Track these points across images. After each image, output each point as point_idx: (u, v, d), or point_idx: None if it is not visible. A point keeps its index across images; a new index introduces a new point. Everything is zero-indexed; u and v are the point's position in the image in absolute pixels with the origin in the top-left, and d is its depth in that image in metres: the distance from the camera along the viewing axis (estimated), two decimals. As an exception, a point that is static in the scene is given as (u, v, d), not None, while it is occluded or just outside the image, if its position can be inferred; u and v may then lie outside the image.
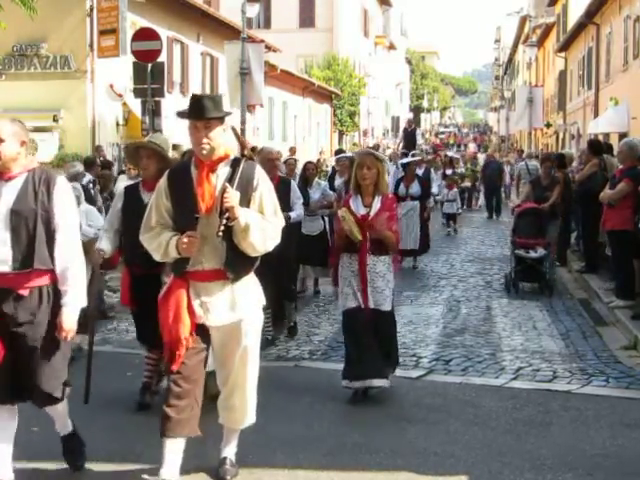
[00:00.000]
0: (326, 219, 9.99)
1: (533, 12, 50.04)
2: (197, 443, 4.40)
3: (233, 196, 4.00)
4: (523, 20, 54.51)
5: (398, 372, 6.78)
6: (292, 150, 26.16)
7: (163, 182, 4.25)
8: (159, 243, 4.18)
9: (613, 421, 5.53)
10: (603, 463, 4.76)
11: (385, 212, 5.79)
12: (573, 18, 30.14)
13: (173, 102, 19.19)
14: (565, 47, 33.05)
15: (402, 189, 12.24)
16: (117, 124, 18.92)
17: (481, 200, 24.57)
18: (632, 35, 21.32)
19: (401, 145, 25.98)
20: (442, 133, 69.12)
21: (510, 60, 69.54)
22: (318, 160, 24.82)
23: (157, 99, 14.04)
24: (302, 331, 8.35)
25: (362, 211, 5.82)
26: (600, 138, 20.63)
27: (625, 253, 8.91)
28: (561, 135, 36.23)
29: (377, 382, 5.85)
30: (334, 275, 6.18)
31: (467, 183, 23.75)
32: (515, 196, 23.17)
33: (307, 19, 42.73)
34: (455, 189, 19.23)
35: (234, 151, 4.30)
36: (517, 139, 53.51)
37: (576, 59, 31.53)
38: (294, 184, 8.00)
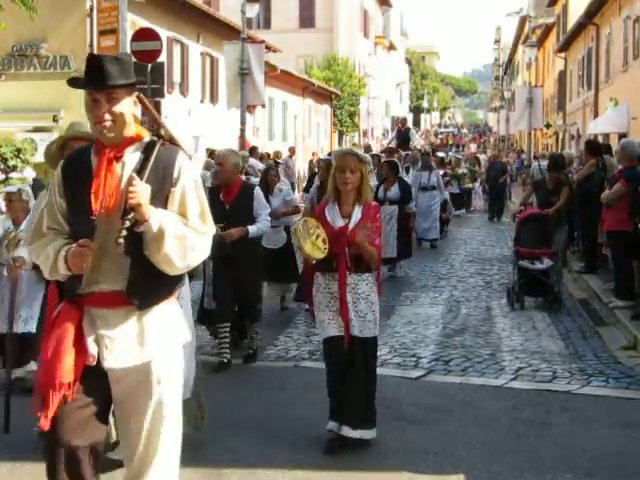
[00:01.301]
0: (291, 230, 9.09)
1: (533, 12, 50.09)
2: (196, 441, 4.39)
3: (141, 191, 2.98)
4: (523, 20, 54.60)
5: (398, 372, 6.82)
6: (291, 150, 26.20)
7: (57, 175, 3.29)
8: (47, 254, 3.14)
9: (613, 421, 5.53)
10: (603, 463, 4.76)
11: (367, 223, 4.91)
12: (573, 18, 30.15)
13: (173, 102, 19.22)
14: (565, 47, 33.07)
15: (381, 192, 11.19)
16: (117, 124, 18.93)
17: (481, 202, 24.35)
18: (632, 35, 21.33)
19: (394, 144, 25.76)
20: (441, 133, 69.11)
21: (510, 60, 69.59)
22: (311, 161, 24.82)
23: (157, 99, 14.05)
24: (302, 331, 8.35)
25: (339, 222, 4.89)
26: (600, 138, 20.66)
27: (623, 253, 8.92)
28: (561, 135, 36.25)
29: (354, 433, 4.92)
30: (308, 296, 5.23)
31: (469, 184, 23.33)
32: (516, 198, 23.10)
33: (307, 19, 42.75)
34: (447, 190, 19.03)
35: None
36: (517, 139, 53.55)
37: (576, 59, 31.54)
38: (259, 191, 7.10)
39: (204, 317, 7.21)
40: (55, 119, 17.80)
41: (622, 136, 18.12)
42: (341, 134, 42.03)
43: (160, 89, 14.10)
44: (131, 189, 2.97)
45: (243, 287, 6.80)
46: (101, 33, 17.04)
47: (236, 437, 5.12)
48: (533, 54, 35.98)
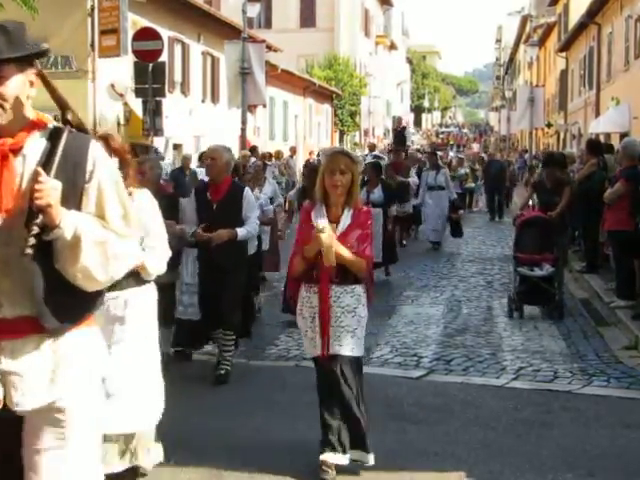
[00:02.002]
0: (263, 238, 8.86)
1: (534, 12, 50.12)
2: (196, 439, 4.39)
3: (50, 188, 2.38)
4: (524, 20, 54.62)
5: (399, 372, 6.82)
6: (292, 150, 26.21)
7: None
8: None
9: (614, 421, 5.52)
10: (604, 463, 4.75)
11: (356, 230, 4.45)
12: (574, 18, 30.17)
13: (174, 102, 19.22)
14: (566, 47, 33.07)
15: (363, 195, 10.37)
16: (118, 124, 18.93)
17: (481, 202, 24.27)
18: (633, 35, 21.33)
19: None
20: (442, 133, 69.16)
21: (511, 60, 69.62)
22: (307, 160, 24.84)
23: (158, 99, 14.09)
24: (303, 331, 8.34)
25: None
26: (601, 138, 20.65)
27: (624, 253, 8.91)
28: (562, 135, 36.25)
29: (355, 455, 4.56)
30: (293, 308, 4.80)
31: (471, 184, 23.12)
32: (518, 198, 23.04)
33: (308, 19, 42.81)
34: None
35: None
36: (518, 139, 53.55)
37: (577, 59, 31.54)
38: (249, 192, 6.58)
39: (186, 334, 6.87)
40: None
41: (623, 135, 18.12)
42: (342, 134, 42.07)
43: (161, 89, 14.14)
44: (37, 187, 2.37)
45: (226, 292, 6.29)
46: (102, 33, 17.07)
47: (236, 437, 5.11)
48: (534, 53, 36.06)
